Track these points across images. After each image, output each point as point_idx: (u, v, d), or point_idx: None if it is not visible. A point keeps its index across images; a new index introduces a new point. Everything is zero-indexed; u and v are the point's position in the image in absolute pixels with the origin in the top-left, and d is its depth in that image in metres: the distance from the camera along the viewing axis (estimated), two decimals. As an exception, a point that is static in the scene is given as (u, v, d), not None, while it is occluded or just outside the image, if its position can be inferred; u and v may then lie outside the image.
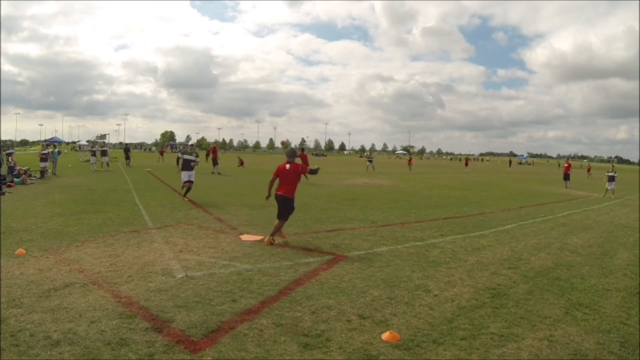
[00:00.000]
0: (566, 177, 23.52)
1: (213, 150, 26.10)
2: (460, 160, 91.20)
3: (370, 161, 35.80)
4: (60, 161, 22.87)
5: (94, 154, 26.30)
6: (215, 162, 24.76)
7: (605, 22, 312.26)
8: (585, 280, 5.57)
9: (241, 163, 35.77)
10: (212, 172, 23.73)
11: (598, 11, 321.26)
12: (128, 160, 29.40)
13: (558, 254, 7.05)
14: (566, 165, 24.44)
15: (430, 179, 26.40)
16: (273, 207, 11.03)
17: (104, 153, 27.08)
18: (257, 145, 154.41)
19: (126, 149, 31.72)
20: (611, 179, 19.01)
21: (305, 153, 21.09)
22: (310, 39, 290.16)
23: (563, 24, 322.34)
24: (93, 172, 23.01)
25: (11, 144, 25.52)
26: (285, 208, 7.16)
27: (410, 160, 40.75)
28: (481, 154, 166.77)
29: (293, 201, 7.21)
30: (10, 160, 16.65)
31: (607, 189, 19.01)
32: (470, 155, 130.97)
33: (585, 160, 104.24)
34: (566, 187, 22.61)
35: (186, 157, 12.11)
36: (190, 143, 9.56)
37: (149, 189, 14.84)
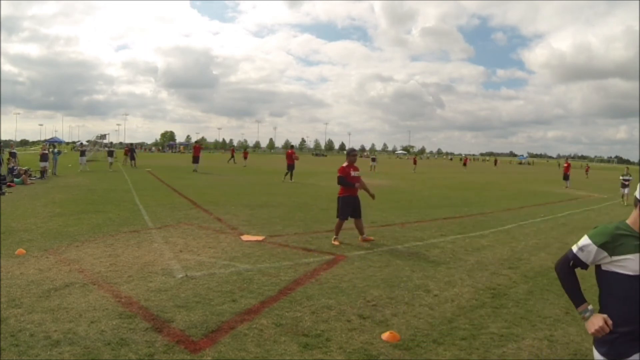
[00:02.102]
0: (566, 177, 23.54)
1: (195, 149, 27.21)
2: (461, 160, 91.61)
3: (373, 159, 36.28)
4: (60, 161, 22.84)
5: (83, 153, 25.47)
6: (195, 161, 25.68)
7: (604, 23, 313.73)
8: (585, 280, 5.54)
9: (245, 156, 36.44)
10: (194, 170, 24.76)
11: (597, 11, 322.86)
12: (133, 161, 29.11)
13: (558, 254, 7.04)
14: (566, 165, 24.44)
15: (431, 179, 26.40)
16: (273, 207, 11.04)
17: (110, 154, 26.96)
18: (257, 145, 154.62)
19: (131, 149, 31.38)
20: (625, 183, 16.46)
21: (292, 150, 21.41)
22: (310, 39, 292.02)
23: (562, 24, 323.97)
24: (80, 172, 22.34)
25: (14, 144, 25.32)
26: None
27: (415, 160, 42.45)
28: (481, 154, 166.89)
29: (339, 200, 7.34)
30: (10, 160, 16.62)
31: (622, 195, 16.57)
32: (470, 155, 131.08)
33: (585, 161, 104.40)
34: (566, 187, 22.62)
35: None
36: None
37: (149, 189, 14.83)
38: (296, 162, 20.29)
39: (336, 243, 6.97)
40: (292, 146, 23.86)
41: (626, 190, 16.17)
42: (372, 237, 7.28)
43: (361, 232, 7.23)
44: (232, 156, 40.17)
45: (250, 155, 41.14)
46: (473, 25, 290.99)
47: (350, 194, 7.13)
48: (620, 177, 16.79)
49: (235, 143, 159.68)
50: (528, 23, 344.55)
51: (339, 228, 7.14)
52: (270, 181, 20.00)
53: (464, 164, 54.06)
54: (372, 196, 7.41)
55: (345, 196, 7.12)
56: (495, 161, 76.21)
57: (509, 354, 3.46)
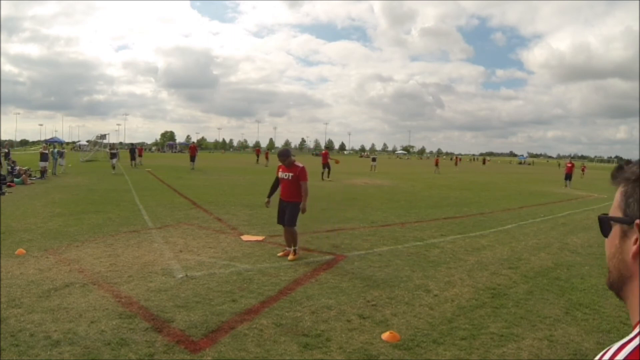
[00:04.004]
0: (568, 177, 23.34)
1: (192, 149, 29.29)
2: (460, 159, 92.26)
3: (373, 160, 36.34)
4: (60, 161, 22.77)
5: (61, 155, 22.45)
6: (192, 160, 27.81)
7: (603, 23, 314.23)
8: (585, 280, 5.57)
9: (266, 156, 37.58)
10: (192, 169, 26.58)
11: (596, 12, 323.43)
12: (134, 162, 29.13)
13: (558, 254, 7.05)
14: (569, 165, 24.27)
15: (431, 179, 26.39)
16: (273, 207, 11.01)
17: (113, 155, 23.79)
18: (257, 145, 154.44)
19: (132, 149, 31.46)
20: None
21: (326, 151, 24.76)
22: (310, 39, 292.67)
23: (561, 24, 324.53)
24: (59, 174, 20.23)
25: (9, 144, 24.93)
26: None
27: (437, 161, 39.62)
28: (481, 154, 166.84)
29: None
30: (8, 161, 16.59)
31: None
32: (470, 155, 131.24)
33: (585, 160, 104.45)
34: (566, 186, 22.52)
35: None
36: None
37: (149, 189, 14.83)
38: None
39: (280, 254, 6.19)
40: (327, 147, 25.43)
41: None
42: (292, 257, 6.05)
43: (287, 244, 6.22)
44: (258, 156, 41.48)
45: (251, 155, 41.44)
46: (472, 26, 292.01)
47: (280, 197, 6.28)
48: None
49: (235, 143, 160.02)
50: (527, 23, 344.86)
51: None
52: (270, 181, 19.99)
53: (455, 164, 55.63)
54: (302, 209, 6.10)
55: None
56: (484, 160, 78.24)
57: (509, 354, 3.46)
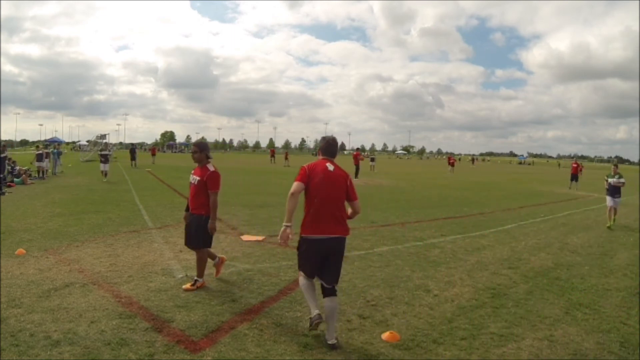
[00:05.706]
0: (574, 177, 23.07)
1: None
2: (459, 160, 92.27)
3: (372, 160, 36.27)
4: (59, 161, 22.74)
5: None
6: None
7: (602, 23, 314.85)
8: (585, 280, 5.57)
9: (286, 157, 38.92)
10: None
11: (595, 12, 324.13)
12: (134, 162, 29.16)
13: (558, 254, 7.05)
14: (575, 165, 24.16)
15: (431, 179, 26.41)
16: (273, 207, 11.03)
17: (104, 159, 18.68)
18: (257, 145, 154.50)
19: (132, 149, 31.53)
20: (614, 190, 10.35)
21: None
22: (310, 39, 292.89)
23: (560, 24, 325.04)
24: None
25: (7, 144, 24.57)
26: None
27: (453, 161, 36.74)
28: (481, 154, 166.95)
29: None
30: (8, 161, 16.53)
31: (608, 208, 10.36)
32: (471, 155, 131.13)
33: (584, 160, 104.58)
34: (570, 187, 22.35)
35: None
36: None
37: (149, 189, 14.83)
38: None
39: (187, 287, 4.63)
40: (357, 149, 25.64)
41: (616, 202, 10.30)
42: (188, 287, 4.62)
43: (199, 273, 4.75)
44: (273, 156, 42.89)
45: (250, 155, 41.76)
46: (472, 26, 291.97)
47: (189, 209, 4.86)
48: (607, 179, 10.62)
49: (235, 143, 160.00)
50: (526, 23, 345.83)
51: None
52: (270, 181, 20.00)
53: (449, 164, 56.07)
54: (211, 228, 4.65)
55: None
56: (473, 160, 79.67)
57: (509, 354, 3.46)
